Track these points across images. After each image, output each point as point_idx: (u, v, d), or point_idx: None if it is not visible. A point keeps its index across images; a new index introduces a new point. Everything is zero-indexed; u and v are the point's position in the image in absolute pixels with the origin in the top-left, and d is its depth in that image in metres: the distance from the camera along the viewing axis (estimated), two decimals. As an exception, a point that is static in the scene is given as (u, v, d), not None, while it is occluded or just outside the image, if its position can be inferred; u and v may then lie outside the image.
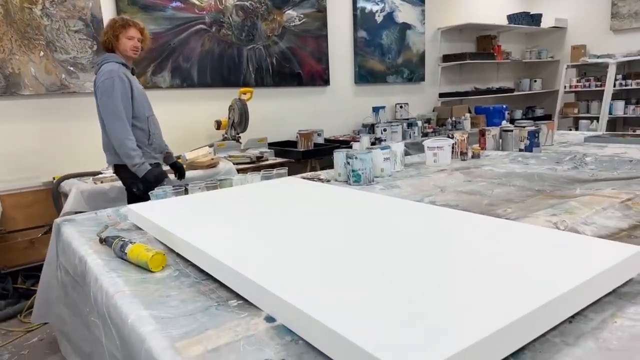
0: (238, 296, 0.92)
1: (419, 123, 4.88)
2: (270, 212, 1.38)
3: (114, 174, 2.61)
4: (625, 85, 5.69)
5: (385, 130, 4.59)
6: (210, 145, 3.66)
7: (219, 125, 3.84)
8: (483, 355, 0.62)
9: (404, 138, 4.66)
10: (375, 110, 5.06)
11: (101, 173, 3.03)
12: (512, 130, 2.80)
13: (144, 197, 1.88)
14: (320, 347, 0.70)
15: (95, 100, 2.42)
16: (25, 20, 3.10)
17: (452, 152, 2.45)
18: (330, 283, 0.83)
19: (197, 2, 3.82)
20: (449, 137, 2.54)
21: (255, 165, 3.48)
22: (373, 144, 3.39)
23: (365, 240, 1.07)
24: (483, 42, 6.17)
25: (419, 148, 2.85)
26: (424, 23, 5.55)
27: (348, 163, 1.99)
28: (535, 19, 6.38)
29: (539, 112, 6.68)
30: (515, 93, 6.39)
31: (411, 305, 0.73)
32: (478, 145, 2.78)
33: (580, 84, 6.12)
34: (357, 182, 1.96)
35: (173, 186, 1.79)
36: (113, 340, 0.95)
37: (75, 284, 1.35)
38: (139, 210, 1.49)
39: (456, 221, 1.19)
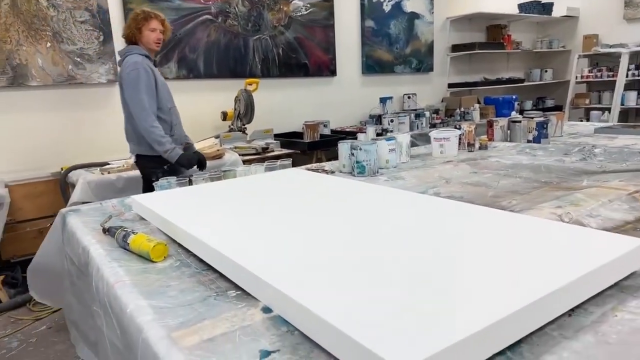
0: (237, 286, 0.92)
1: (427, 114, 4.83)
2: (272, 203, 1.38)
3: (123, 165, 2.63)
4: (638, 75, 5.58)
5: (392, 121, 4.56)
6: (217, 137, 3.66)
7: (225, 116, 3.84)
8: (480, 347, 0.62)
9: (411, 129, 4.62)
10: (383, 100, 5.02)
11: (108, 164, 3.05)
12: (520, 121, 2.76)
13: None
14: (315, 339, 0.70)
15: (120, 91, 2.46)
16: (31, 11, 3.11)
17: (460, 143, 2.42)
18: (329, 275, 0.83)
19: (203, -8, 3.81)
20: (456, 128, 2.51)
21: (261, 157, 3.48)
22: (380, 135, 3.37)
23: (366, 233, 1.06)
24: (493, 32, 6.08)
25: (426, 139, 2.82)
26: (433, 12, 5.48)
27: (352, 154, 1.98)
28: (547, 7, 6.27)
29: (550, 103, 6.58)
30: (525, 83, 6.30)
31: (409, 297, 0.72)
32: (486, 136, 2.75)
33: (592, 74, 6.01)
34: (362, 174, 1.95)
35: (177, 177, 1.80)
36: (114, 329, 0.95)
37: (80, 273, 1.36)
38: (142, 200, 1.49)
39: (458, 213, 1.18)
